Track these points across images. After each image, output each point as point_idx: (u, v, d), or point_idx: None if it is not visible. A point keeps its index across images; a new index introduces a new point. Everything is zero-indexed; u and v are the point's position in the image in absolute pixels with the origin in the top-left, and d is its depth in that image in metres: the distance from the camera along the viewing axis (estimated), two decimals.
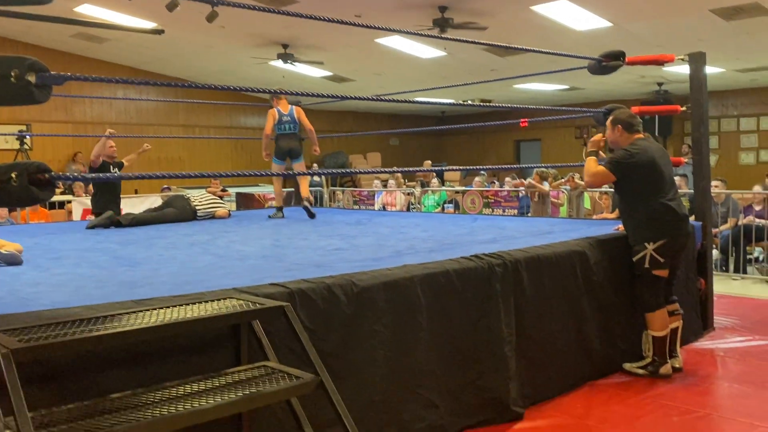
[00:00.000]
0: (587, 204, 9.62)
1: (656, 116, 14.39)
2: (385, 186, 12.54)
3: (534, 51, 5.34)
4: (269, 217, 6.93)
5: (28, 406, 1.80)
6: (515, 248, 3.78)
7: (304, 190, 6.99)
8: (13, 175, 2.38)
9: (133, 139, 14.14)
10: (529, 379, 3.59)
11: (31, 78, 2.41)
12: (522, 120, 7.15)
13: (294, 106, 6.81)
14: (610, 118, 4.32)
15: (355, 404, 2.67)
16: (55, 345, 1.95)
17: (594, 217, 8.93)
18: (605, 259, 4.15)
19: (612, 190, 6.55)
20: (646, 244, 4.03)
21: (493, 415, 3.36)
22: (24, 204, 2.68)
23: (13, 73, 2.36)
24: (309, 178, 7.02)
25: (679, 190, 4.37)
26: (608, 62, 5.22)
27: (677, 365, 4.15)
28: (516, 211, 9.53)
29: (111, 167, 6.99)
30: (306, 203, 6.77)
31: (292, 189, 10.25)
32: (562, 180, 9.75)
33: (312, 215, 6.64)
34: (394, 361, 3.01)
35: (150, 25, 10.58)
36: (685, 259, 4.51)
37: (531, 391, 3.59)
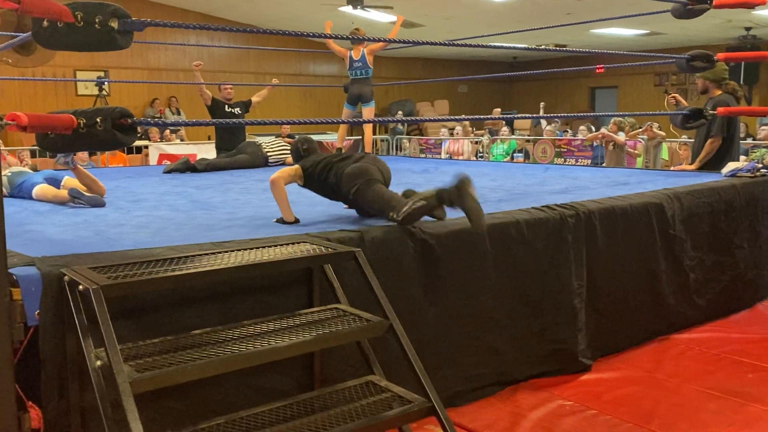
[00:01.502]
0: (665, 155, 9.29)
1: (742, 63, 13.62)
2: (452, 134, 12.40)
3: None
4: None
5: (117, 339, 1.91)
6: (588, 199, 3.71)
7: (368, 143, 7.02)
8: (98, 120, 2.47)
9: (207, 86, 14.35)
10: (599, 332, 3.56)
11: (114, 24, 2.47)
12: (598, 66, 6.89)
13: (364, 49, 6.74)
14: None
15: (417, 346, 2.71)
16: (140, 282, 2.06)
17: (672, 168, 8.62)
18: (684, 212, 4.02)
19: (692, 140, 6.30)
20: None
21: (559, 366, 3.36)
22: (108, 147, 2.79)
23: (97, 20, 2.42)
24: (372, 129, 7.05)
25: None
26: (694, 5, 4.94)
27: None
28: (589, 161, 9.29)
29: (226, 107, 7.18)
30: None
31: (360, 137, 10.28)
32: (640, 129, 9.42)
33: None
34: (459, 306, 3.04)
35: None
36: None
37: (600, 344, 3.57)
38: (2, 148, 8.25)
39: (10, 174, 4.37)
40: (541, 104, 12.63)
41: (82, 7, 2.40)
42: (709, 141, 5.45)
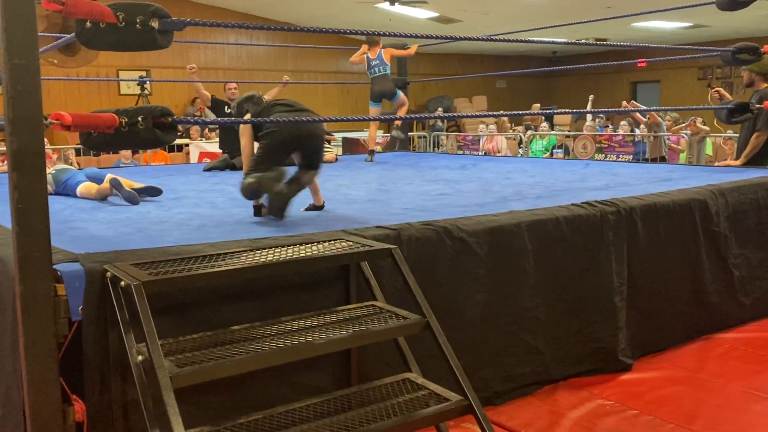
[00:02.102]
0: (709, 150, 9.08)
1: None
2: (489, 131, 12.31)
3: None
4: (365, 161, 7.02)
5: (158, 334, 1.94)
6: (630, 195, 3.64)
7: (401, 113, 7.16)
8: (139, 119, 2.51)
9: (245, 84, 14.49)
10: (640, 330, 3.50)
11: (155, 24, 2.52)
12: (640, 60, 6.76)
13: (382, 49, 6.88)
14: None
15: (456, 344, 2.70)
16: (180, 279, 2.09)
17: (716, 163, 8.42)
18: (728, 208, 3.92)
19: (737, 135, 6.14)
20: None
21: (599, 365, 3.31)
22: (149, 146, 2.84)
23: (138, 20, 2.47)
24: (406, 111, 7.16)
25: None
26: None
27: None
28: (631, 157, 9.13)
29: (227, 108, 7.19)
30: (395, 131, 7.09)
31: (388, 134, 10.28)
32: (683, 124, 9.22)
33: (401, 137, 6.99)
34: (497, 305, 3.02)
35: None
36: None
37: (641, 343, 3.51)
38: (48, 146, 8.47)
39: (54, 171, 4.47)
40: (590, 97, 12.42)
41: (123, 7, 2.45)
42: (754, 135, 5.31)
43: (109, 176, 4.21)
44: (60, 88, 12.81)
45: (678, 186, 4.04)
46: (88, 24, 2.40)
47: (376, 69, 6.84)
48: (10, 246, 2.03)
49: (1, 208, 3.34)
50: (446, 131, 14.36)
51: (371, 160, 6.99)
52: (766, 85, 5.40)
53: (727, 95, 5.93)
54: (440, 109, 16.49)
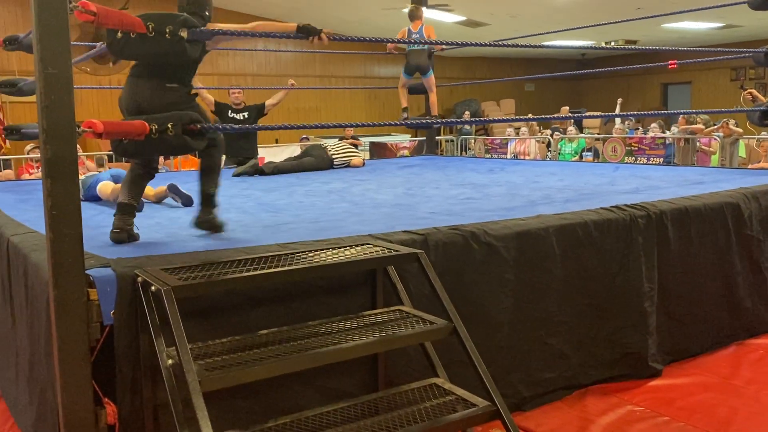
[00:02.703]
0: (742, 152, 8.92)
1: None
2: (518, 133, 12.24)
3: None
4: (402, 119, 7.13)
5: (187, 338, 1.97)
6: (660, 199, 3.60)
7: (433, 108, 7.29)
8: (169, 126, 2.56)
9: (273, 90, 14.56)
10: (670, 336, 3.45)
11: (184, 34, 2.56)
12: (671, 61, 6.68)
13: (425, 26, 7.01)
14: None
15: (483, 349, 2.70)
16: (210, 283, 2.12)
17: (750, 166, 8.27)
18: (762, 212, 3.85)
19: None
20: None
21: (628, 370, 3.27)
22: (179, 152, 2.88)
23: (167, 30, 2.51)
24: (436, 94, 7.24)
25: None
26: None
27: None
28: (662, 160, 9.01)
29: (229, 112, 7.20)
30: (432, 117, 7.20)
31: (424, 138, 10.28)
32: (715, 126, 9.07)
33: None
34: (525, 309, 3.00)
35: None
36: None
37: (671, 348, 3.46)
38: (80, 153, 8.62)
39: (84, 177, 4.55)
40: (618, 101, 12.31)
41: (153, 18, 2.50)
42: None
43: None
44: (92, 96, 13.06)
45: (710, 189, 3.98)
46: (119, 34, 2.45)
47: (417, 44, 6.98)
48: (44, 251, 2.08)
49: (35, 214, 3.43)
50: (473, 135, 14.32)
51: (407, 118, 7.12)
52: None
53: (761, 97, 5.84)
54: (467, 113, 16.45)
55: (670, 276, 3.45)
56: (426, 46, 7.05)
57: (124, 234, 2.81)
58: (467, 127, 13.52)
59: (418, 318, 2.43)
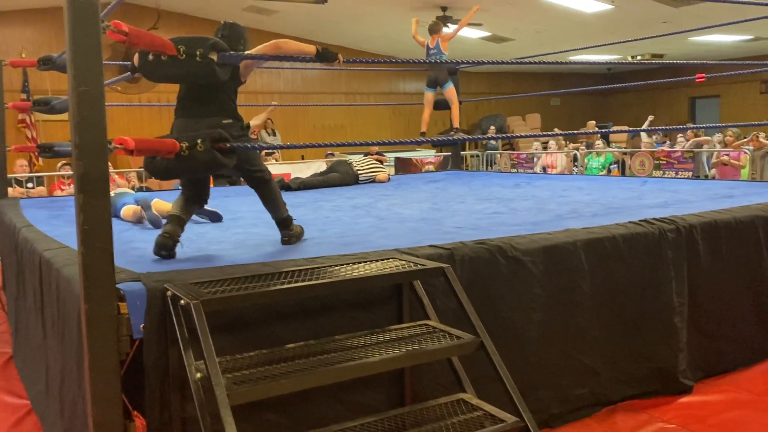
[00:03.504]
0: None
1: None
2: (545, 148, 12.18)
3: (712, 0, 4.90)
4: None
5: (216, 352, 1.99)
6: (689, 213, 3.55)
7: (455, 119, 7.31)
8: (198, 142, 2.60)
9: (299, 107, 14.76)
10: (701, 352, 3.39)
11: (213, 57, 2.61)
12: (698, 75, 6.61)
13: (439, 37, 7.22)
14: None
15: (511, 364, 2.68)
16: (238, 297, 2.13)
17: None
18: None
19: None
20: None
21: (659, 386, 3.22)
22: (209, 169, 2.90)
23: (198, 53, 2.56)
24: (459, 106, 7.32)
25: None
26: None
27: None
28: (690, 174, 8.89)
29: None
30: (454, 133, 7.24)
31: (449, 153, 10.28)
32: (745, 139, 8.94)
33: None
34: (553, 325, 2.97)
35: None
36: None
37: (702, 364, 3.40)
38: (111, 170, 8.77)
39: (113, 195, 4.61)
40: (649, 118, 12.21)
41: (184, 41, 2.56)
42: None
43: (156, 202, 4.29)
44: (123, 114, 13.28)
45: (740, 203, 3.92)
46: (151, 56, 2.50)
47: (433, 57, 7.19)
48: (76, 266, 2.11)
49: (67, 229, 3.49)
50: (500, 149, 14.28)
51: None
52: None
53: None
54: (492, 128, 16.43)
55: (700, 290, 3.40)
56: (443, 59, 7.21)
57: (171, 240, 2.89)
58: (493, 142, 13.49)
59: (444, 332, 2.42)
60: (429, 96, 7.38)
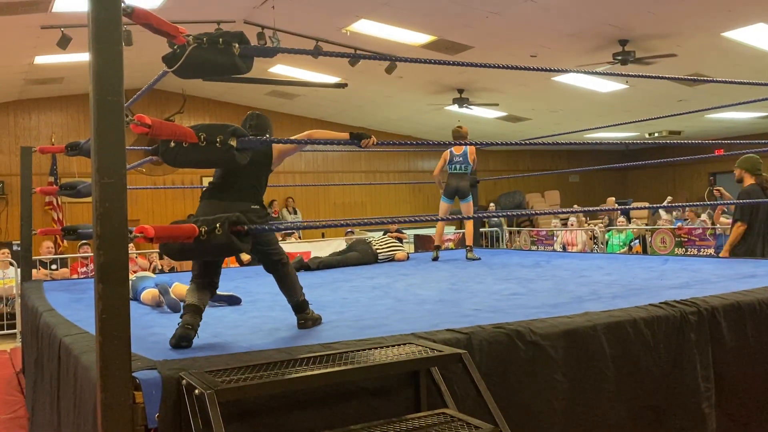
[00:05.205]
0: None
1: None
2: (564, 225, 12.17)
3: (724, 82, 4.98)
4: (432, 259, 7.00)
5: None
6: (711, 294, 3.50)
7: (469, 238, 7.15)
8: (217, 226, 2.64)
9: (320, 187, 14.98)
10: None
11: (233, 142, 2.69)
12: (717, 149, 6.67)
13: (468, 146, 6.88)
14: None
15: None
16: (252, 387, 2.12)
17: None
18: None
19: None
20: None
21: None
22: (226, 253, 2.94)
23: (218, 139, 2.64)
24: (474, 224, 7.12)
25: None
26: None
27: None
28: (713, 251, 8.80)
29: None
30: (468, 252, 6.94)
31: (462, 231, 10.30)
32: None
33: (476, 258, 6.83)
34: (576, 412, 2.89)
35: (335, 80, 11.31)
36: None
37: None
38: (132, 250, 8.88)
39: (134, 278, 4.65)
40: (668, 198, 12.25)
41: (205, 128, 2.64)
42: (735, 226, 5.44)
43: (175, 286, 4.32)
44: (147, 194, 13.57)
45: (763, 283, 3.85)
46: (172, 144, 2.58)
47: (458, 166, 6.88)
48: (94, 353, 2.12)
49: (87, 313, 3.52)
50: (518, 227, 14.26)
51: (437, 257, 7.00)
52: (753, 181, 5.51)
53: (726, 194, 6.07)
54: (492, 205, 16.50)
55: (727, 375, 3.30)
56: (468, 172, 6.93)
57: (193, 332, 2.92)
58: (494, 219, 13.43)
59: (463, 422, 2.37)
60: (444, 207, 7.01)
